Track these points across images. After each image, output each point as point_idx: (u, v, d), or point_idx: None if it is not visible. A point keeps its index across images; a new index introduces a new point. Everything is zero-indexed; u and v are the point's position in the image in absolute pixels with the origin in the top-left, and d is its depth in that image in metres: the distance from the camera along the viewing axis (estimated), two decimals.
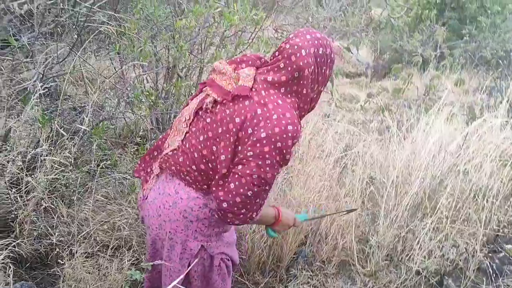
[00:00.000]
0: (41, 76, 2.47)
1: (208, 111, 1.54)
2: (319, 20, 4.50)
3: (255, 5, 3.53)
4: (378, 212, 3.08)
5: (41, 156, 2.34)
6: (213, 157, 1.51)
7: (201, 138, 1.53)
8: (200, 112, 1.57)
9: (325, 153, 3.39)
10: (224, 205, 1.45)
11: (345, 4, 5.83)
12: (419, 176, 3.04)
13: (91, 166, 2.53)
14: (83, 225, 2.49)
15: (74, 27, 2.47)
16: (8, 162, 2.26)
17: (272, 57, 1.57)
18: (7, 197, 2.30)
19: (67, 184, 2.56)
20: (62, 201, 2.53)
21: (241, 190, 1.43)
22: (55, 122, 2.39)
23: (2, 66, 2.36)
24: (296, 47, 1.48)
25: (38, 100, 2.32)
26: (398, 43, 8.65)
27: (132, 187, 2.80)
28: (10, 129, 2.32)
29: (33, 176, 2.30)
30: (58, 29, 2.77)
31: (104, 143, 2.87)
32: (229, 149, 1.45)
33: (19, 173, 2.33)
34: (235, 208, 1.46)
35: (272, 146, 1.41)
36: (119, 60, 3.16)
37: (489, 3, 8.82)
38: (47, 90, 2.46)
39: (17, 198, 2.26)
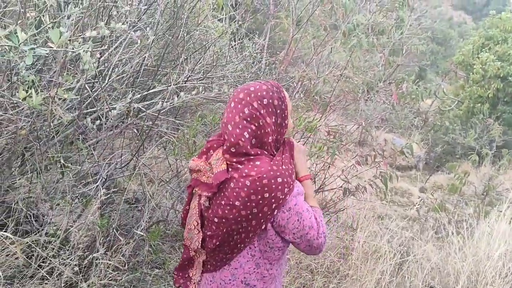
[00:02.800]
0: (104, 180, 2.60)
1: (209, 209, 1.53)
2: (371, 121, 4.54)
3: (308, 109, 3.64)
4: None
5: (96, 260, 2.38)
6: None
7: (216, 241, 1.51)
8: (204, 214, 1.56)
9: (381, 260, 3.23)
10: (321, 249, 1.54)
11: (394, 101, 5.88)
12: None
13: (143, 270, 2.53)
14: None
15: (138, 135, 2.63)
16: (65, 265, 2.30)
17: None
18: None
19: None
20: None
21: (318, 247, 1.51)
22: (113, 226, 2.46)
23: (69, 171, 2.50)
24: (223, 125, 1.49)
25: (99, 205, 2.42)
26: (451, 136, 8.51)
27: None
28: (71, 233, 2.40)
29: (87, 280, 2.32)
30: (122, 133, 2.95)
31: (156, 245, 2.89)
32: (251, 235, 1.47)
33: (73, 277, 2.36)
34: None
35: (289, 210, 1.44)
36: (175, 160, 3.28)
37: None
38: (108, 195, 2.57)
39: None
